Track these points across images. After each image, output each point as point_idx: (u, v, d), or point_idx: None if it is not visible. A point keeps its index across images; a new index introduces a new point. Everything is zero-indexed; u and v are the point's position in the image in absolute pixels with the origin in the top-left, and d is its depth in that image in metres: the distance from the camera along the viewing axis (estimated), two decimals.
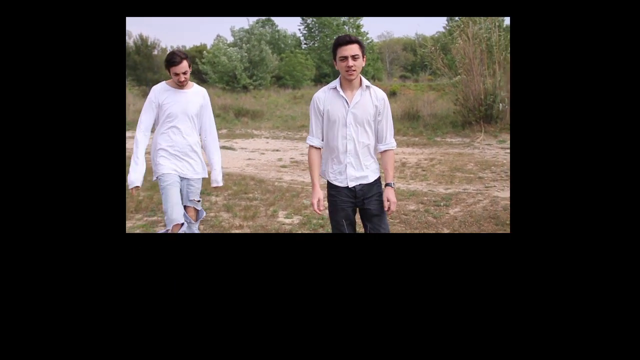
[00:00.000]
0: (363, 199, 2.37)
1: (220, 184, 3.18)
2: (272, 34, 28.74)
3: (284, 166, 7.42)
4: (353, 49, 2.23)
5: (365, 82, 2.34)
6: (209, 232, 4.08)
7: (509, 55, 9.07)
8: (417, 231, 4.05)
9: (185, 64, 2.86)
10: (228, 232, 4.09)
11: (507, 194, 5.17)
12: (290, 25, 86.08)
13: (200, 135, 3.09)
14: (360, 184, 2.37)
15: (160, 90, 2.97)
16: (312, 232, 4.23)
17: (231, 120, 13.38)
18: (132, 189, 2.86)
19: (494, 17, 9.76)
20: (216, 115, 6.61)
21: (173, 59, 2.84)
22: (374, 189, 2.41)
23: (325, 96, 2.36)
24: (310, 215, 4.64)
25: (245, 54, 22.35)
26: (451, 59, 10.59)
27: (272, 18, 31.37)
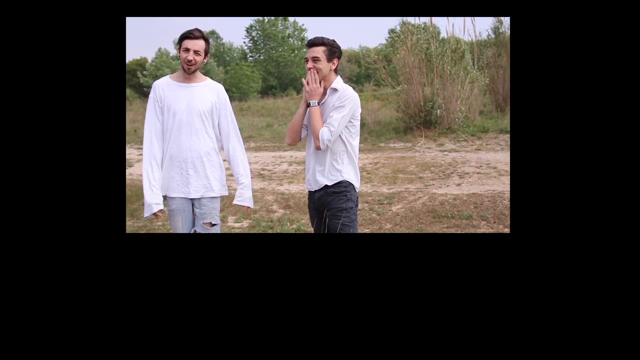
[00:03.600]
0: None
1: (250, 204, 2.47)
2: (217, 47, 28.55)
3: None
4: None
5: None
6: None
7: (445, 64, 9.57)
8: (361, 227, 4.19)
9: (201, 43, 2.29)
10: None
11: (444, 190, 5.46)
12: (236, 38, 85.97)
13: (220, 142, 2.46)
14: None
15: (162, 85, 2.35)
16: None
17: None
18: (156, 212, 2.30)
19: (432, 29, 10.28)
20: None
21: (190, 32, 2.26)
22: None
23: None
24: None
25: None
26: (393, 69, 10.99)
27: (216, 31, 31.09)
